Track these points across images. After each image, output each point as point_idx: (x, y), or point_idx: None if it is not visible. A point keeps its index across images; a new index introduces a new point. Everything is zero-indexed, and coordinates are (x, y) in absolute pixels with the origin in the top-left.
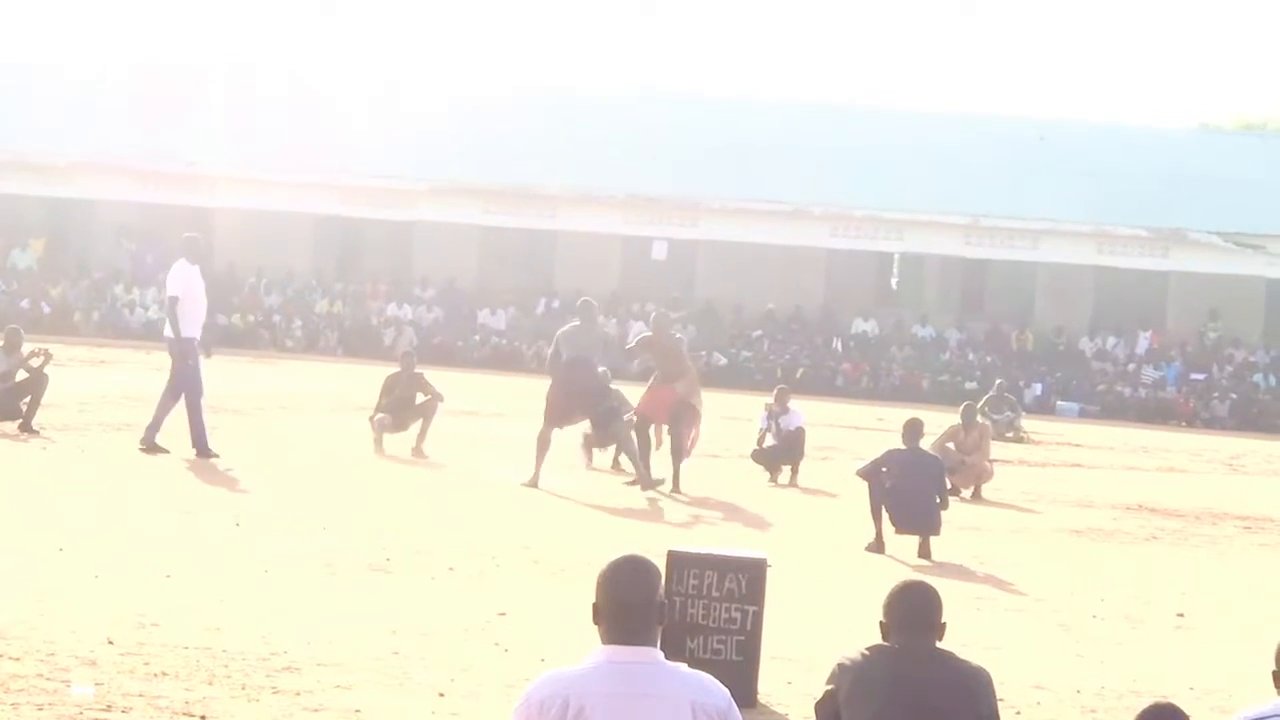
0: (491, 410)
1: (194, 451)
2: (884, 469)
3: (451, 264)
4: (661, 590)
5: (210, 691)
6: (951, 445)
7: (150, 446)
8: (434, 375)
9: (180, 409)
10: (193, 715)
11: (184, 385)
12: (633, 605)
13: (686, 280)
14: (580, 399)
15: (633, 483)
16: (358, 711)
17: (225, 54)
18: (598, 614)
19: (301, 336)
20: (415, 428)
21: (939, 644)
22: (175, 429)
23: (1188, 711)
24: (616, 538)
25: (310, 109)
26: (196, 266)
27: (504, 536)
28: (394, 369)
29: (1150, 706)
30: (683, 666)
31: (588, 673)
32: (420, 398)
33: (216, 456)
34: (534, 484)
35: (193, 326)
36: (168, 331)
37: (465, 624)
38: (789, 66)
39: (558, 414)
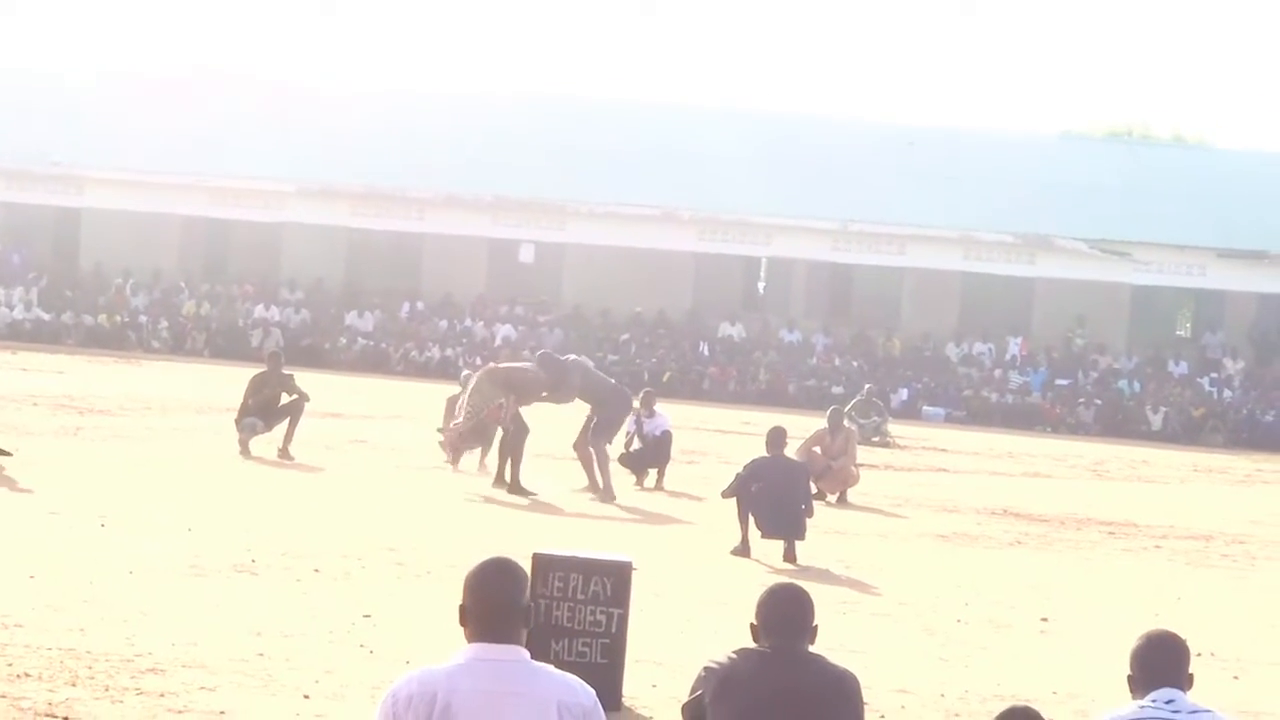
0: (359, 412)
1: None
2: (753, 486)
3: (319, 266)
4: (528, 593)
5: (74, 693)
6: (818, 449)
7: None
8: (302, 377)
9: None
10: (55, 716)
11: None
12: (499, 606)
13: (553, 283)
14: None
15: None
16: (222, 713)
17: (92, 55)
18: (464, 615)
19: (168, 337)
20: (281, 429)
21: (810, 648)
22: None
23: (1049, 715)
24: (481, 540)
25: (178, 110)
26: None
27: (369, 538)
28: (261, 370)
29: (1007, 709)
30: (549, 667)
31: (455, 670)
32: (285, 398)
33: None
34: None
35: None
36: None
37: (330, 626)
38: (659, 70)
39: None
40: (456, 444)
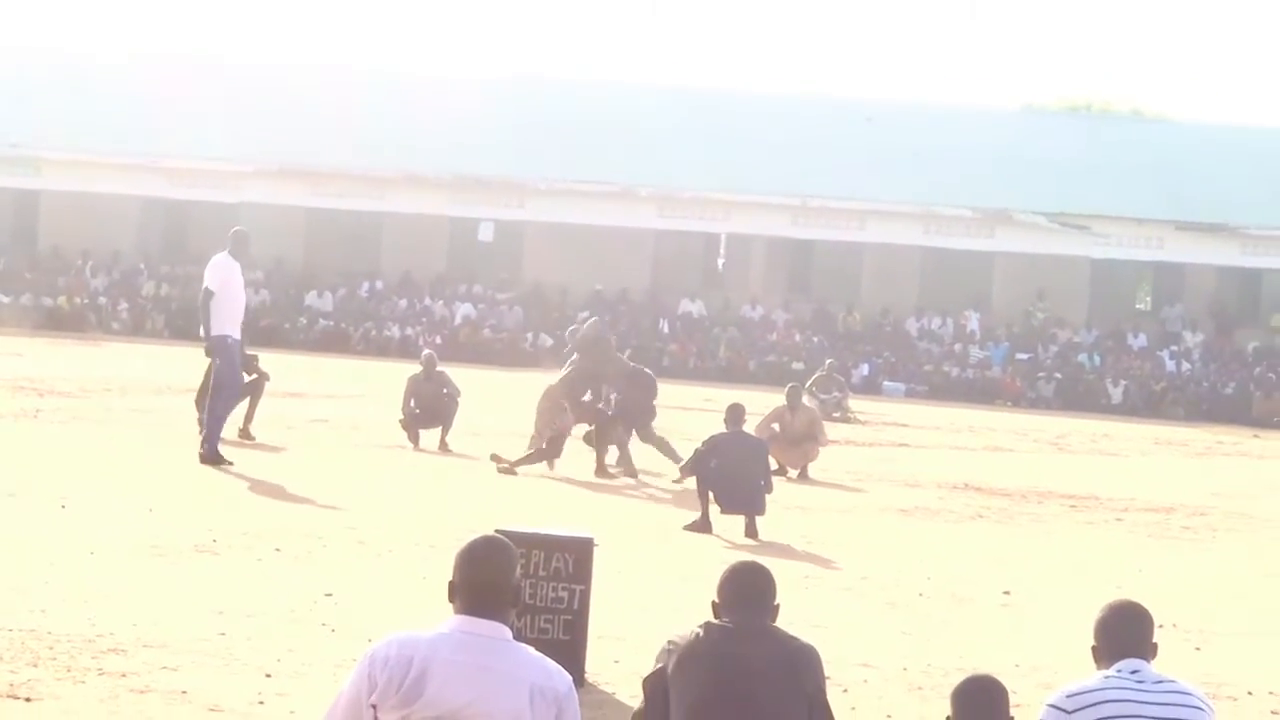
0: (319, 392)
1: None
2: (712, 462)
3: (279, 246)
4: (517, 572)
5: (35, 673)
6: (776, 427)
7: (213, 456)
8: (262, 357)
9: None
10: (18, 697)
11: (222, 384)
12: (488, 584)
13: (513, 261)
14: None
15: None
16: (184, 692)
17: (50, 36)
18: (453, 591)
19: (128, 319)
20: (242, 409)
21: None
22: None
23: (1013, 687)
24: (443, 519)
25: (135, 91)
26: (239, 263)
27: (330, 517)
28: None
29: (967, 679)
30: (529, 648)
31: (437, 638)
32: (246, 378)
33: (230, 464)
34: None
35: (229, 324)
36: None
37: (292, 605)
38: (617, 47)
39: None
40: (416, 424)
